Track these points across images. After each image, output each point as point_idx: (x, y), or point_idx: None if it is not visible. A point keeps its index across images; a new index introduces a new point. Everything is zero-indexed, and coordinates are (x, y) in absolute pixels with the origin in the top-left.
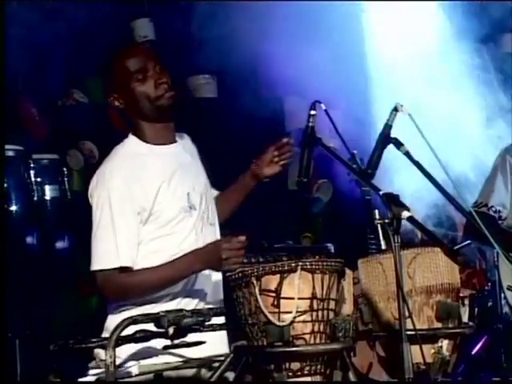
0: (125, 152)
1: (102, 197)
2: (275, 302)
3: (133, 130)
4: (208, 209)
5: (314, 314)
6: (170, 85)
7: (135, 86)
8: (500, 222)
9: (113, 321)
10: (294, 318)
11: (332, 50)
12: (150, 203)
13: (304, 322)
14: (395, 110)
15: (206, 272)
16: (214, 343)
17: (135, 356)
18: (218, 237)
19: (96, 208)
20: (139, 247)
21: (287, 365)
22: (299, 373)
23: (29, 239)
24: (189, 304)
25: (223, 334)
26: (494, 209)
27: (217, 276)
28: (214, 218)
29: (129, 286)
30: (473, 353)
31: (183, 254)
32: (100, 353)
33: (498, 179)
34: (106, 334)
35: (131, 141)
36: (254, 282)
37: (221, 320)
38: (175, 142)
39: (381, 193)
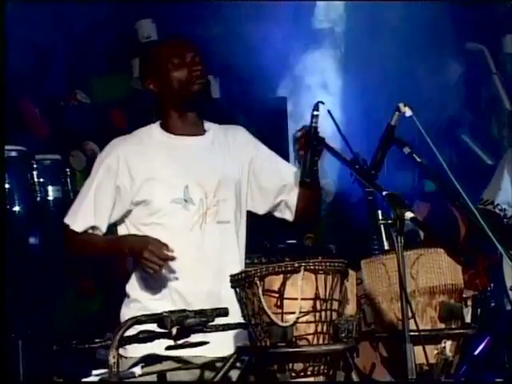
0: (140, 133)
1: (97, 162)
2: (278, 303)
3: (161, 119)
4: (220, 205)
5: (317, 314)
6: (202, 73)
7: (170, 70)
8: (505, 220)
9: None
10: (297, 318)
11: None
12: (135, 185)
13: (307, 322)
14: (398, 110)
15: None
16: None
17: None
18: (229, 236)
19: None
20: (130, 228)
21: (290, 365)
22: (302, 373)
23: (31, 240)
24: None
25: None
26: (499, 207)
27: None
28: (226, 216)
29: (77, 244)
30: (476, 353)
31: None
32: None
33: (504, 177)
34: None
35: (152, 127)
36: (257, 282)
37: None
38: (201, 134)
39: (384, 193)
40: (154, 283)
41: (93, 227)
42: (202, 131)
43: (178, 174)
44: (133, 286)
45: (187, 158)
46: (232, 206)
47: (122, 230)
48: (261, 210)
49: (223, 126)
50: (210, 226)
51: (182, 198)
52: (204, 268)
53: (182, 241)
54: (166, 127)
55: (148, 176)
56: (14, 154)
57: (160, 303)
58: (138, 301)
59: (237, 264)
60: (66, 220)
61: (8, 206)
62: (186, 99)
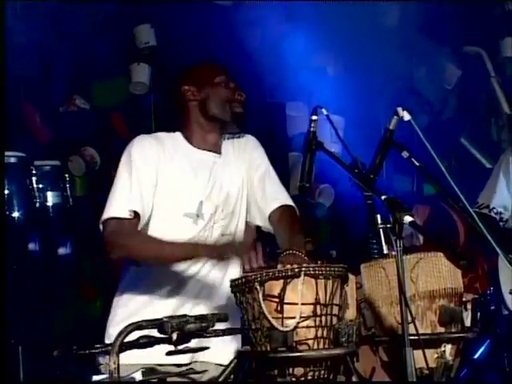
0: (165, 138)
1: (123, 159)
2: (278, 308)
3: (181, 129)
4: (226, 219)
5: (318, 319)
6: (244, 101)
7: (219, 87)
8: (501, 223)
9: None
10: (298, 323)
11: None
12: (158, 188)
13: (307, 327)
14: (396, 114)
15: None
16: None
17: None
18: None
19: (118, 168)
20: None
21: (291, 370)
22: (303, 378)
23: (31, 245)
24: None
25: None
26: (495, 210)
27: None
28: (231, 228)
29: (133, 242)
30: (476, 357)
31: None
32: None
33: (500, 180)
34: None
35: (175, 136)
36: (258, 287)
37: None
38: (219, 152)
39: (383, 197)
40: (152, 294)
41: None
42: (219, 148)
43: (195, 189)
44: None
45: (205, 175)
46: (236, 219)
47: None
48: (258, 222)
49: (235, 137)
50: (216, 238)
51: (194, 213)
52: (205, 280)
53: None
54: (190, 139)
55: (169, 183)
56: (13, 159)
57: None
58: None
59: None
60: (115, 213)
61: (7, 212)
62: (222, 119)
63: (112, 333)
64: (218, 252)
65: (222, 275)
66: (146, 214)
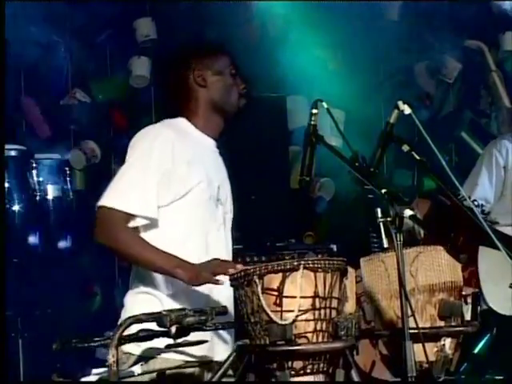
0: (173, 124)
1: (143, 147)
2: (277, 301)
3: (185, 114)
4: (228, 214)
5: (317, 312)
6: (248, 95)
7: (228, 77)
8: (482, 216)
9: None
10: (297, 316)
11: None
12: (183, 174)
13: (306, 320)
14: (396, 108)
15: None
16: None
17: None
18: (229, 244)
19: (133, 154)
20: (163, 222)
21: (290, 363)
22: (302, 371)
23: (31, 239)
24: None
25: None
26: (476, 202)
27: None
28: (230, 225)
29: (125, 240)
30: (475, 351)
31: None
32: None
33: (482, 173)
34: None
35: (181, 120)
36: (257, 280)
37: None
38: (216, 141)
39: (383, 191)
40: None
41: (151, 219)
42: (217, 138)
43: (213, 174)
44: (141, 278)
45: (216, 161)
46: (231, 218)
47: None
48: None
49: None
50: (227, 229)
51: (215, 197)
52: None
53: (212, 239)
54: (195, 124)
55: (195, 167)
56: (13, 153)
57: (174, 299)
58: (150, 293)
59: None
60: (125, 206)
61: (7, 205)
62: (227, 108)
63: None
64: (197, 273)
65: None
66: (146, 213)
